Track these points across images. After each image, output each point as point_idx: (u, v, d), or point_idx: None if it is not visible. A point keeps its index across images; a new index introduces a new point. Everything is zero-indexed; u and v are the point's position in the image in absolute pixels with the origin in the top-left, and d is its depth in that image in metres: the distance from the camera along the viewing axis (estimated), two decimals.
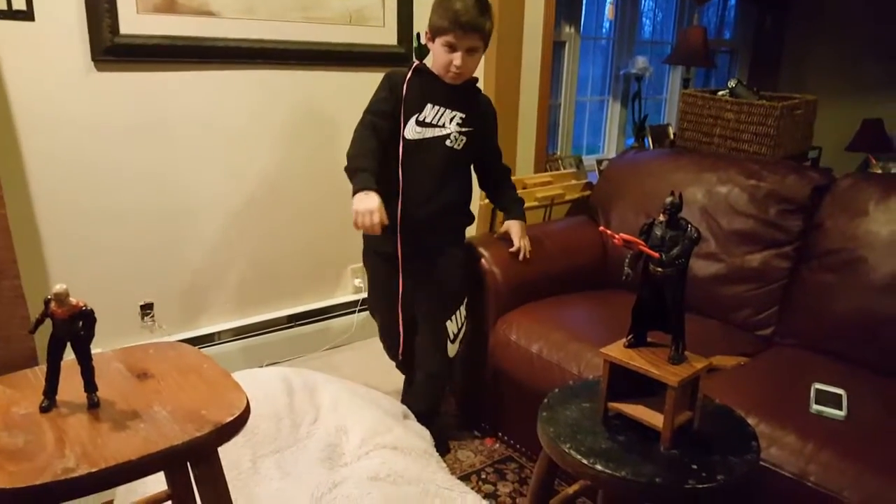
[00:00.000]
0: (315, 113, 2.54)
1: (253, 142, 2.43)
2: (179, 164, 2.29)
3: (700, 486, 0.96)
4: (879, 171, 2.15)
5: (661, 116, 4.07)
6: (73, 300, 1.03)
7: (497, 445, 2.04)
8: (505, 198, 2.04)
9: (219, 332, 2.49)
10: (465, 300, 1.94)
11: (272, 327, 2.60)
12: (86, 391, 1.08)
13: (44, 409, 1.06)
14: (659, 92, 4.08)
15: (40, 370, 1.12)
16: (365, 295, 2.79)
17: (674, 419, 1.03)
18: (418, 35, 2.64)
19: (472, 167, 1.94)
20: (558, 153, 3.47)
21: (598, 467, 1.00)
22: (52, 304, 1.03)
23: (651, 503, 1.00)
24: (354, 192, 1.69)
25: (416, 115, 1.77)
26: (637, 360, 1.06)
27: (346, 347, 2.74)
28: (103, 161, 2.14)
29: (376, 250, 1.95)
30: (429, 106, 1.78)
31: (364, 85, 2.58)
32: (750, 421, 1.37)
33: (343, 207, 2.66)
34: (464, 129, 1.80)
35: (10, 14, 1.90)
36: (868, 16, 3.67)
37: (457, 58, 1.70)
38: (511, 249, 1.97)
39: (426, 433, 1.91)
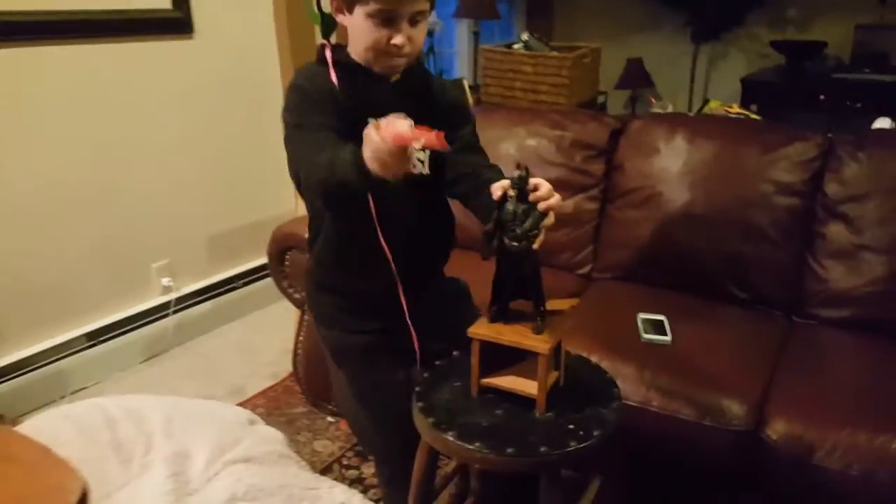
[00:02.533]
0: (81, 94, 2.13)
1: (14, 133, 1.99)
2: None
3: (581, 445, 0.97)
4: (660, 111, 2.35)
5: (454, 70, 4.11)
6: None
7: None
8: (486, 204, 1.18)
9: (3, 367, 2.07)
10: None
11: (70, 350, 2.22)
12: None
13: None
14: (449, 44, 4.10)
15: None
16: (177, 294, 2.53)
17: (546, 384, 1.03)
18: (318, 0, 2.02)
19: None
20: None
21: (484, 450, 0.97)
22: None
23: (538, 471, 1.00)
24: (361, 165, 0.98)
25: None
26: (507, 335, 1.04)
27: (164, 356, 2.44)
28: None
29: (361, 329, 1.27)
30: (372, 123, 0.99)
31: (146, 57, 2.24)
32: (593, 359, 1.45)
33: (135, 200, 2.35)
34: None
35: None
36: None
37: (398, 34, 1.07)
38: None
39: (278, 434, 1.77)
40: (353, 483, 1.73)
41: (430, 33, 3.41)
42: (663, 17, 3.89)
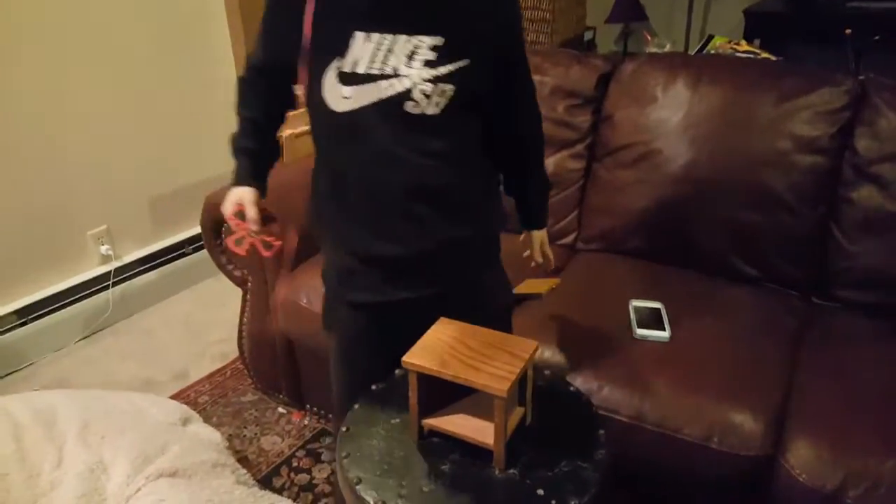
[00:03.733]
0: (14, 46, 1.79)
1: None
2: None
3: None
4: (657, 50, 2.00)
5: None
6: None
7: (307, 420, 1.71)
8: (529, 186, 1.09)
9: None
10: None
11: None
12: None
13: None
14: None
15: None
16: (117, 263, 2.22)
17: (506, 431, 0.76)
18: None
19: (479, 143, 0.96)
20: None
21: None
22: None
23: None
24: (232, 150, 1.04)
25: (335, 61, 0.85)
26: (452, 366, 0.76)
27: (104, 333, 2.17)
28: None
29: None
30: (358, 37, 0.84)
31: (74, 10, 1.87)
32: (578, 359, 1.18)
33: (66, 162, 2.02)
34: (442, 70, 0.84)
35: None
36: None
37: None
38: (537, 259, 1.16)
39: (214, 435, 1.51)
40: (302, 490, 1.48)
41: None
42: None
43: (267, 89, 0.98)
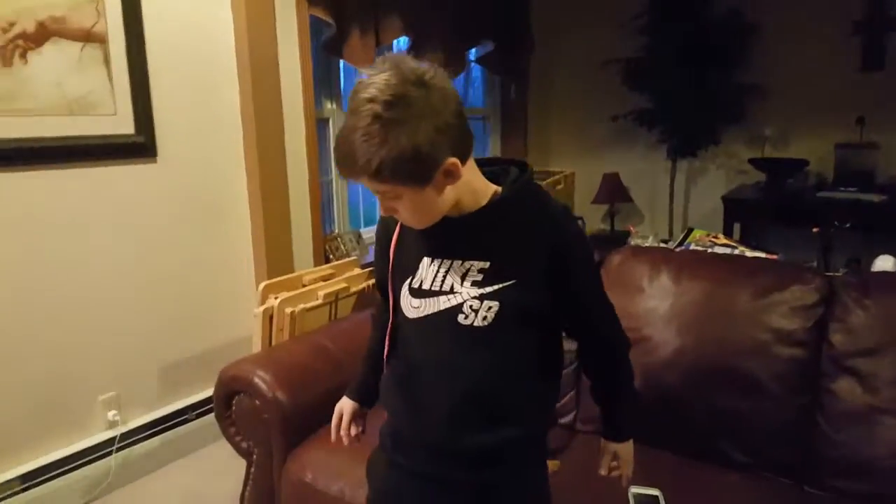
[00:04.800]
0: (32, 220, 1.96)
1: None
2: None
3: None
4: (641, 242, 2.18)
5: None
6: None
7: None
8: (611, 399, 1.15)
9: None
10: None
11: (1, 494, 1.92)
12: None
13: None
14: None
15: None
16: (123, 429, 2.23)
17: None
18: None
19: (534, 352, 1.03)
20: (336, 231, 3.20)
21: None
22: None
23: None
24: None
25: (409, 279, 1.02)
26: None
27: (105, 500, 2.13)
28: None
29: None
30: (425, 261, 1.01)
31: (96, 183, 2.08)
32: None
33: (81, 328, 2.12)
34: (488, 289, 0.97)
35: None
36: (591, 87, 4.00)
37: (380, 207, 0.97)
38: (601, 472, 1.17)
39: None
40: None
41: None
42: (638, 134, 3.85)
43: (384, 313, 1.14)
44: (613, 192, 3.72)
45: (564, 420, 1.68)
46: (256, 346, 1.99)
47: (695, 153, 3.72)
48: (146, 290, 2.27)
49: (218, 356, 2.46)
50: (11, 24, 1.83)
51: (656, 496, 1.29)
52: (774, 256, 1.88)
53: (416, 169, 0.87)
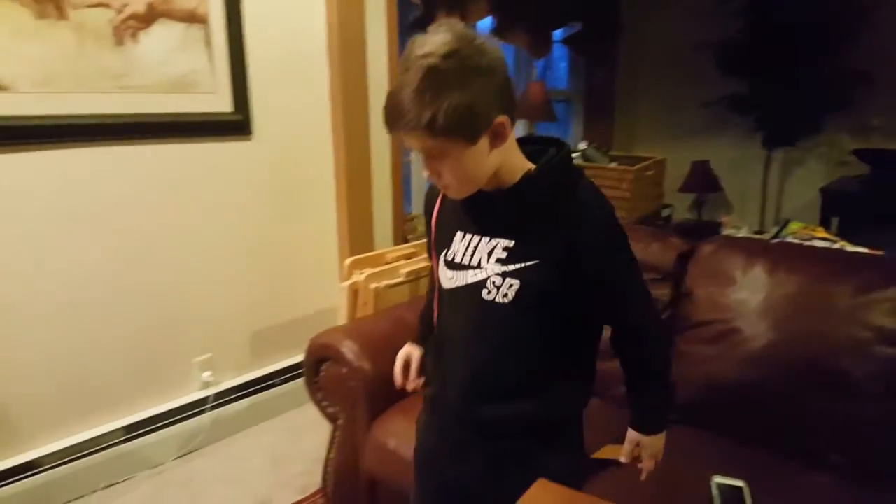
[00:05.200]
0: (141, 192, 2.12)
1: (67, 229, 1.96)
2: None
3: None
4: (733, 232, 2.12)
5: None
6: None
7: None
8: (637, 391, 1.15)
9: (42, 458, 1.97)
10: None
11: (106, 443, 2.11)
12: None
13: None
14: None
15: None
16: (216, 389, 2.40)
17: None
18: None
19: (555, 333, 1.03)
20: (413, 212, 3.27)
21: None
22: None
23: None
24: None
25: (444, 251, 1.08)
26: None
27: (197, 455, 2.30)
28: None
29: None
30: (458, 235, 1.06)
31: (196, 158, 2.22)
32: None
33: (180, 293, 2.28)
34: (510, 268, 0.99)
35: None
36: (682, 71, 3.86)
37: (423, 166, 0.99)
38: (622, 459, 1.18)
39: None
40: None
41: None
42: (731, 120, 3.69)
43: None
44: (702, 181, 3.60)
45: None
46: (342, 318, 2.08)
47: (793, 142, 3.55)
48: (239, 260, 2.41)
49: (303, 325, 2.59)
50: (124, 6, 1.97)
51: (740, 488, 1.28)
52: (879, 252, 1.79)
53: (467, 123, 0.90)
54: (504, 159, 0.97)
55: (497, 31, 3.08)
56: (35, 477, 1.95)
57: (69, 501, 2.01)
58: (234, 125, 2.28)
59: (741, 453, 1.43)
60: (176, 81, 2.11)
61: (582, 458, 1.16)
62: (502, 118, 0.92)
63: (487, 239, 1.01)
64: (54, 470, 1.99)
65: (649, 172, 2.02)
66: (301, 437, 2.39)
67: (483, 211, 1.02)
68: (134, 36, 2.00)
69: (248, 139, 2.35)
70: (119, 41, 1.97)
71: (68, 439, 2.04)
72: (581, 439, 1.14)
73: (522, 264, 0.98)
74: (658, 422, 1.13)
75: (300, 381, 2.54)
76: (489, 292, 1.01)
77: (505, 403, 1.04)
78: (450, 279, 1.06)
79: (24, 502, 1.92)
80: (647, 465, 1.15)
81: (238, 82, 2.26)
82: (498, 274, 1.00)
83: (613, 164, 2.00)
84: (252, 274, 2.45)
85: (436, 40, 0.89)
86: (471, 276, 1.03)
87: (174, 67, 2.10)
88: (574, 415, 1.12)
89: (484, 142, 0.93)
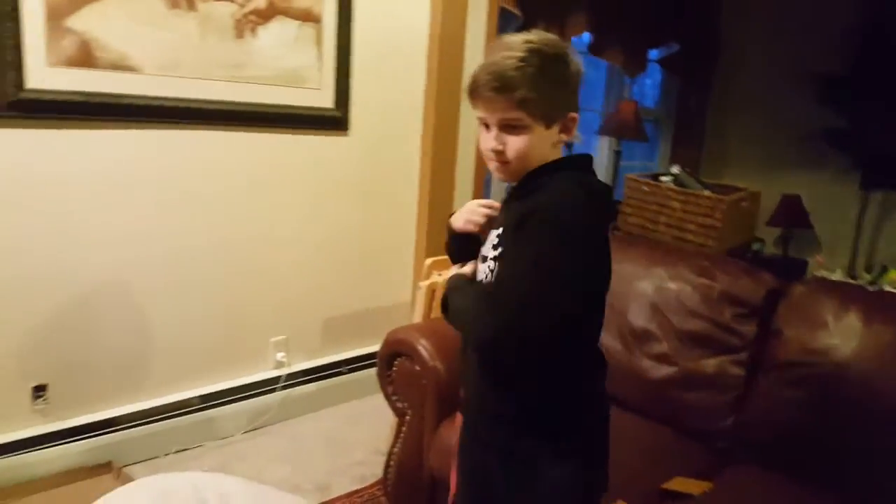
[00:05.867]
0: (242, 177, 2.26)
1: (171, 207, 2.12)
2: (83, 230, 1.96)
3: None
4: (826, 274, 2.08)
5: None
6: None
7: None
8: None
9: (120, 417, 2.13)
10: None
11: (182, 409, 2.26)
12: None
13: None
14: None
15: None
16: (287, 370, 2.52)
17: None
18: None
19: None
20: None
21: None
22: None
23: None
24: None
25: (482, 248, 1.14)
26: None
27: (264, 430, 2.42)
28: None
29: None
30: (492, 233, 1.10)
31: (294, 149, 2.34)
32: None
33: (262, 275, 2.41)
34: (495, 253, 1.06)
35: None
36: (779, 100, 3.76)
37: (489, 138, 1.04)
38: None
39: None
40: None
41: (569, 146, 3.35)
42: (827, 156, 3.56)
43: None
44: (792, 216, 3.48)
45: (719, 443, 1.67)
46: (417, 317, 2.15)
47: (894, 185, 3.39)
48: (321, 249, 2.52)
49: (372, 319, 2.70)
50: (247, 1, 2.11)
51: None
52: None
53: (553, 106, 1.01)
54: (554, 154, 1.05)
55: (594, 47, 3.10)
56: (114, 433, 2.10)
57: (143, 460, 2.16)
58: (334, 120, 2.40)
59: (818, 499, 1.42)
60: (286, 75, 2.24)
61: (598, 473, 1.11)
62: (574, 115, 1.04)
63: (497, 231, 1.08)
64: (133, 429, 2.15)
65: (743, 204, 2.01)
66: (362, 427, 2.48)
67: (503, 205, 1.12)
68: (253, 30, 2.13)
69: (345, 135, 2.46)
70: (239, 34, 2.11)
71: (149, 401, 2.19)
72: (598, 453, 1.11)
73: (498, 251, 1.06)
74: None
75: (365, 372, 2.65)
76: (486, 277, 1.08)
77: (502, 400, 1.09)
78: (479, 274, 1.12)
79: (104, 456, 2.07)
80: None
81: (341, 80, 2.37)
82: (492, 259, 1.07)
83: (707, 192, 1.99)
84: (330, 264, 2.56)
85: (537, 33, 1.02)
86: (481, 268, 1.11)
87: (286, 62, 2.22)
88: (577, 419, 1.09)
89: (554, 130, 1.03)
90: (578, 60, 1.04)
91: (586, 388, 1.11)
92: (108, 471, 2.05)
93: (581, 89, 1.06)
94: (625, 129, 3.20)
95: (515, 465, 1.09)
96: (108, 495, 1.62)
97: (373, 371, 2.63)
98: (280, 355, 2.49)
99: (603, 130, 3.45)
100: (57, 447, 2.00)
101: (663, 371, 1.76)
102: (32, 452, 1.95)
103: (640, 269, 1.88)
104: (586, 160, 1.09)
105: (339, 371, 2.67)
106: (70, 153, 1.88)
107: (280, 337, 2.49)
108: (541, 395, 1.06)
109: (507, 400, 1.09)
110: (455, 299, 1.10)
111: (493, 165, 1.07)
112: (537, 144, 1.02)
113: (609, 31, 3.11)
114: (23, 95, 1.75)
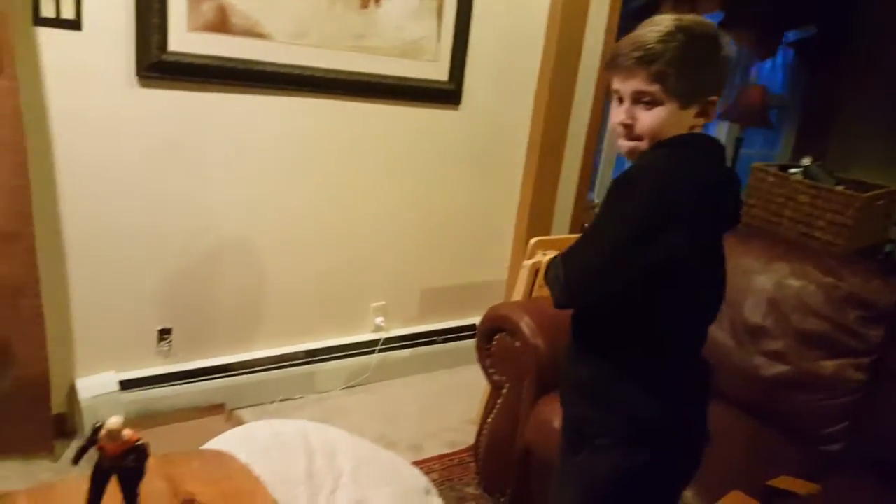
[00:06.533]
0: (358, 146, 2.36)
1: (291, 171, 2.25)
2: (212, 187, 2.12)
3: None
4: None
5: None
6: (126, 433, 0.87)
7: None
8: None
9: (233, 364, 2.31)
10: None
11: (288, 361, 2.42)
12: None
13: None
14: None
15: (75, 482, 0.94)
16: (385, 335, 2.63)
17: None
18: None
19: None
20: (596, 200, 3.29)
21: None
22: (104, 438, 0.87)
23: None
24: None
25: None
26: None
27: (361, 388, 2.56)
28: (136, 178, 1.99)
29: None
30: None
31: (406, 121, 2.42)
32: None
33: (368, 241, 2.52)
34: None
35: (58, 22, 1.76)
36: None
37: (620, 112, 1.05)
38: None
39: None
40: None
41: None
42: None
43: None
44: None
45: (829, 448, 1.62)
46: (518, 295, 2.19)
47: None
48: (424, 220, 2.60)
49: (469, 294, 2.77)
50: None
51: None
52: None
53: (693, 86, 0.99)
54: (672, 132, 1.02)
55: (722, 27, 2.97)
56: (227, 378, 2.29)
57: (251, 405, 2.34)
58: (447, 94, 2.45)
59: None
60: (406, 47, 2.30)
61: (657, 459, 1.08)
62: (714, 98, 1.02)
63: None
64: (244, 376, 2.32)
65: (879, 202, 1.89)
66: (453, 395, 2.56)
67: None
68: (377, 1, 2.21)
69: (456, 109, 2.51)
70: (364, 4, 2.19)
71: (260, 352, 2.37)
72: (664, 436, 1.08)
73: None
74: None
75: (457, 344, 2.73)
76: None
77: (580, 366, 1.14)
78: None
79: (217, 398, 2.26)
80: None
81: (458, 53, 2.41)
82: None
83: (840, 188, 1.89)
84: (432, 236, 2.64)
85: (690, 15, 1.01)
86: None
87: (407, 33, 2.29)
88: (639, 395, 1.07)
89: (691, 112, 1.01)
90: (730, 45, 1.02)
91: (656, 371, 1.07)
92: (221, 412, 2.24)
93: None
94: (749, 116, 3.07)
95: (570, 431, 1.18)
96: (228, 433, 1.79)
97: (464, 343, 2.73)
98: (379, 320, 2.61)
99: (724, 115, 3.32)
100: (176, 386, 2.19)
101: (775, 369, 1.72)
102: (155, 389, 2.16)
103: (760, 263, 1.83)
104: (701, 139, 1.05)
105: (434, 340, 2.76)
106: (203, 115, 2.03)
107: (380, 302, 2.61)
108: (601, 365, 1.11)
109: (576, 363, 1.15)
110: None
111: (621, 142, 1.07)
112: (669, 123, 1.00)
113: (743, 10, 2.97)
114: (165, 57, 1.90)
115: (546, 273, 1.11)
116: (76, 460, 0.87)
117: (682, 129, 1.02)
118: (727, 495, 1.36)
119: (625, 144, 1.06)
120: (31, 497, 0.95)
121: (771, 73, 4.19)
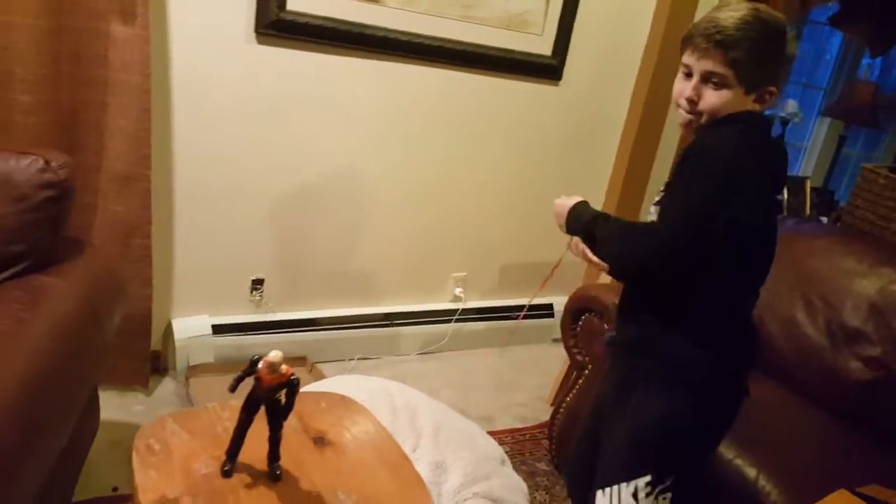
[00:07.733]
0: (456, 116, 2.43)
1: (389, 136, 2.34)
2: (316, 146, 2.23)
3: None
4: None
5: (797, 166, 3.79)
6: (283, 368, 0.97)
7: None
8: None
9: (318, 318, 2.45)
10: (640, 479, 1.21)
11: (369, 322, 2.54)
12: (269, 460, 1.04)
13: (225, 473, 1.02)
14: (800, 138, 3.78)
15: (219, 409, 1.05)
16: (463, 305, 2.72)
17: None
18: None
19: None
20: None
21: None
22: (262, 370, 0.96)
23: None
24: None
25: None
26: None
27: (436, 355, 2.66)
28: (245, 132, 2.11)
29: None
30: None
31: (506, 94, 2.46)
32: None
33: (454, 212, 2.60)
34: (657, 199, 1.21)
35: None
36: None
37: (687, 87, 1.12)
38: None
39: (523, 486, 1.81)
40: None
41: (785, 123, 3.18)
42: None
43: None
44: None
45: None
46: (605, 278, 2.23)
47: None
48: (513, 194, 2.66)
49: (546, 272, 2.81)
50: None
51: None
52: None
53: (760, 75, 1.09)
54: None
55: (836, 19, 2.89)
56: (312, 332, 2.42)
57: (333, 360, 2.46)
58: (549, 69, 2.47)
59: None
60: (512, 19, 2.34)
61: (700, 405, 1.19)
62: (773, 89, 1.12)
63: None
64: (327, 332, 2.45)
65: None
66: (526, 371, 2.64)
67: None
68: None
69: (556, 85, 2.54)
70: None
71: (344, 310, 2.49)
72: (707, 385, 1.18)
73: (661, 196, 1.18)
74: (581, 224, 1.26)
75: (532, 322, 2.80)
76: (652, 217, 1.19)
77: (635, 324, 1.23)
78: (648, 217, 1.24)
79: (301, 351, 2.38)
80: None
81: (563, 28, 2.43)
82: (655, 203, 1.19)
83: None
84: (517, 210, 2.70)
85: (765, 5, 1.10)
86: (652, 210, 1.21)
87: (513, 5, 2.32)
88: (687, 346, 1.17)
89: (750, 98, 1.11)
90: (793, 45, 1.12)
91: (705, 327, 1.17)
92: (303, 364, 2.38)
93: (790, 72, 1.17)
94: (855, 114, 2.98)
95: (617, 386, 1.28)
96: (316, 383, 1.91)
97: (540, 321, 2.78)
98: (458, 290, 2.70)
99: (828, 111, 3.23)
100: (263, 335, 2.34)
101: (871, 375, 1.72)
102: (244, 337, 2.31)
103: (864, 266, 1.81)
104: (755, 117, 1.15)
105: (508, 316, 2.83)
106: (313, 75, 2.13)
107: (461, 273, 2.70)
108: (651, 322, 1.20)
109: (626, 325, 1.27)
110: (602, 229, 1.21)
111: (680, 115, 1.16)
112: (731, 105, 1.11)
113: (860, 3, 2.88)
114: (283, 16, 1.99)
115: (599, 246, 1.21)
116: (233, 388, 0.98)
117: (735, 110, 1.12)
118: (835, 493, 1.39)
119: (685, 116, 1.15)
120: (178, 420, 1.07)
121: (879, 70, 4.03)
